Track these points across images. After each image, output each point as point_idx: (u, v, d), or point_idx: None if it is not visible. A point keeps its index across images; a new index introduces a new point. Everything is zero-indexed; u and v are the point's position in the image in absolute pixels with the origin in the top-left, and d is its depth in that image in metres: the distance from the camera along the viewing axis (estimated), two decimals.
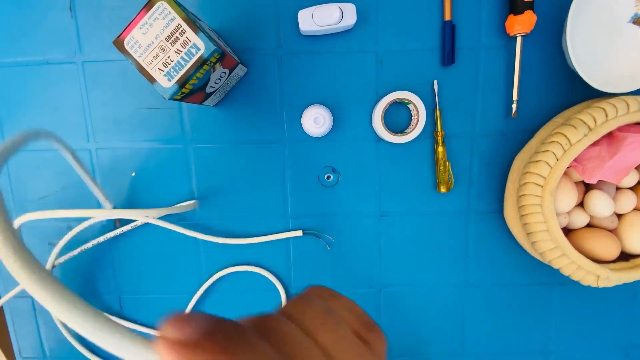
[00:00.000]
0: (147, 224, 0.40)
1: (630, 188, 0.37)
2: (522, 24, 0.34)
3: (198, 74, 0.27)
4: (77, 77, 0.38)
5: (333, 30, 0.35)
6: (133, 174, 0.39)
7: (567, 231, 0.37)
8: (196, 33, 0.25)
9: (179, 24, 0.25)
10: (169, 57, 0.26)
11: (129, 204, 0.40)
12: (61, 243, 0.39)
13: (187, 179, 0.39)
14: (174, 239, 0.41)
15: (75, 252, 0.40)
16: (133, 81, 0.38)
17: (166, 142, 0.39)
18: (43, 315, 0.43)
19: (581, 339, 0.42)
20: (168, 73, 0.26)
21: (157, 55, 0.26)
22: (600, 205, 0.35)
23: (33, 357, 0.44)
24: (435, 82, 0.37)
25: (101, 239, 0.40)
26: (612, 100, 0.32)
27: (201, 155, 0.39)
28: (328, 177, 0.40)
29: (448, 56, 0.36)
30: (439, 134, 0.38)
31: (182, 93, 0.27)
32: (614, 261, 0.36)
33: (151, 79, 0.26)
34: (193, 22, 0.26)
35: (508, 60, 0.37)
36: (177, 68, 0.26)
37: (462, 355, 0.43)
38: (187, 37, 0.25)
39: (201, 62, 0.26)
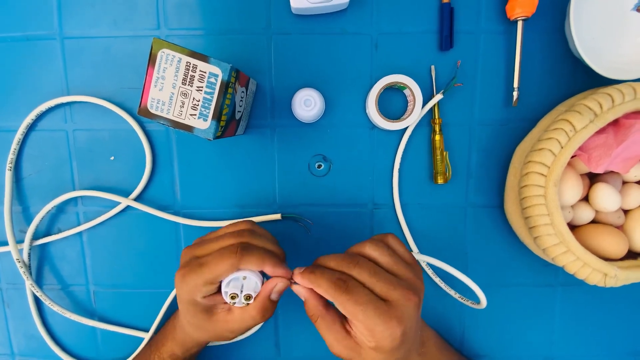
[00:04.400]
0: (123, 211, 0.38)
1: (638, 182, 0.35)
2: (523, 7, 0.33)
3: (226, 101, 0.25)
4: (56, 54, 0.36)
5: (326, 9, 0.33)
6: (112, 157, 0.37)
7: (572, 227, 0.35)
8: (207, 62, 0.24)
9: (188, 62, 0.24)
10: (193, 98, 0.25)
11: (106, 189, 0.37)
12: (31, 229, 0.37)
13: (169, 165, 0.37)
14: (153, 229, 0.38)
15: (51, 238, 0.38)
16: (115, 59, 0.36)
17: (147, 124, 0.37)
18: (13, 309, 0.40)
19: (586, 345, 0.40)
20: (201, 114, 0.25)
21: (183, 103, 0.25)
22: (607, 198, 0.33)
23: (0, 353, 0.41)
24: (433, 67, 0.35)
25: (79, 228, 0.38)
26: (619, 86, 0.31)
27: (186, 142, 0.37)
28: (319, 166, 0.37)
29: (446, 40, 0.35)
30: (436, 121, 0.36)
31: (221, 127, 0.26)
32: (621, 259, 0.34)
33: (189, 129, 0.25)
34: (198, 52, 0.24)
35: (508, 46, 0.35)
36: (206, 105, 0.25)
37: None
38: (201, 71, 0.24)
39: (225, 87, 0.25)
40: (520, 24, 0.34)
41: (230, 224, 0.30)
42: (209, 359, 0.40)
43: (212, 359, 0.40)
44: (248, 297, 0.27)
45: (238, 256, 0.25)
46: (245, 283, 0.27)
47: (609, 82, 0.34)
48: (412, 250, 0.38)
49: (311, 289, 0.26)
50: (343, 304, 0.23)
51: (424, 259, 0.32)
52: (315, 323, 0.26)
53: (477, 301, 0.34)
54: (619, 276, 0.31)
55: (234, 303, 0.27)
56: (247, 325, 0.28)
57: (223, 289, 0.27)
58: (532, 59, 0.35)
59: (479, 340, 0.40)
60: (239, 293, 0.26)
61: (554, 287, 0.39)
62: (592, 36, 0.34)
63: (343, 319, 0.26)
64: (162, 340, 0.34)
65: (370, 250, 0.26)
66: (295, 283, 0.27)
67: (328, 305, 0.26)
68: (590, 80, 0.35)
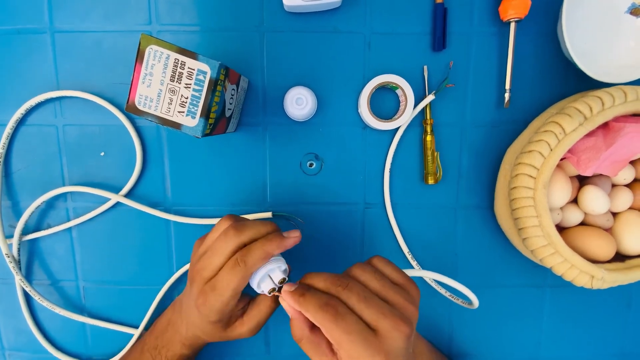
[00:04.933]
0: (113, 207, 0.38)
1: (627, 185, 0.35)
2: (516, 9, 0.33)
3: (215, 99, 0.25)
4: (47, 48, 0.36)
5: (319, 7, 0.33)
6: (102, 153, 0.37)
7: (560, 229, 0.35)
8: (196, 59, 0.24)
9: (176, 59, 0.24)
10: (182, 95, 0.25)
11: (96, 185, 0.37)
12: (20, 224, 0.37)
13: (160, 162, 0.37)
14: (144, 226, 0.38)
15: (41, 233, 0.38)
16: (106, 54, 0.36)
17: (138, 120, 0.37)
18: (2, 304, 0.40)
19: (572, 346, 0.40)
20: (189, 111, 0.25)
21: (171, 100, 0.25)
22: (596, 201, 0.33)
23: None
24: (425, 67, 0.35)
25: (69, 224, 0.38)
26: (609, 89, 0.31)
27: (177, 139, 0.37)
28: (310, 165, 0.37)
29: (439, 41, 0.35)
30: (428, 122, 0.36)
31: (210, 124, 0.26)
32: (608, 262, 0.34)
33: (177, 126, 0.25)
34: (186, 49, 0.24)
35: (501, 48, 0.35)
36: (194, 102, 0.25)
37: (449, 358, 0.40)
38: (189, 68, 0.24)
39: (214, 85, 0.25)
40: (512, 26, 0.34)
41: (213, 229, 0.30)
42: (200, 356, 0.40)
43: (203, 357, 0.40)
44: (283, 281, 0.28)
45: (244, 267, 0.26)
46: (272, 275, 0.28)
47: (601, 85, 0.34)
48: (409, 264, 0.38)
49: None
50: (330, 331, 0.23)
51: (416, 274, 0.31)
52: (299, 343, 0.26)
53: (469, 301, 0.34)
54: (605, 278, 0.32)
55: (275, 293, 0.28)
56: (266, 317, 0.30)
57: (258, 291, 0.28)
58: (525, 61, 0.35)
59: (467, 339, 0.40)
60: (275, 286, 0.27)
61: (543, 288, 0.39)
62: (584, 39, 0.34)
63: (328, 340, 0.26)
64: (167, 345, 0.33)
65: (357, 274, 0.25)
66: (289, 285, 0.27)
67: (313, 325, 0.26)
68: (582, 83, 0.35)
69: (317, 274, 0.26)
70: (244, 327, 0.30)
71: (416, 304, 0.25)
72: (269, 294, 0.28)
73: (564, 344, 0.40)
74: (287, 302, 0.25)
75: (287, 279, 0.28)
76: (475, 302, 0.32)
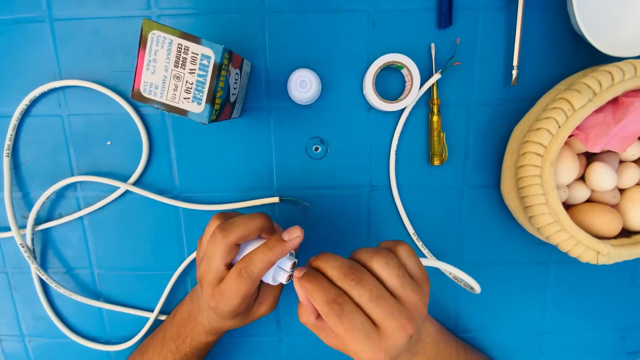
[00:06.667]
0: (122, 196, 0.38)
1: (634, 161, 0.35)
2: None
3: (220, 84, 0.25)
4: (46, 37, 0.35)
5: None
6: (109, 142, 0.37)
7: (567, 207, 0.35)
8: (199, 43, 0.24)
9: (179, 44, 0.24)
10: (186, 81, 0.24)
11: (104, 174, 0.38)
12: (32, 214, 0.37)
13: (166, 149, 0.37)
14: (153, 213, 0.38)
15: (53, 223, 0.38)
16: (106, 41, 0.35)
17: (142, 107, 0.36)
18: (20, 291, 0.41)
19: (576, 320, 0.41)
20: (194, 97, 0.25)
21: (176, 87, 0.24)
22: (604, 177, 0.33)
23: (10, 334, 0.43)
24: (433, 45, 0.35)
25: (80, 213, 0.38)
26: (619, 64, 0.30)
27: (182, 126, 0.37)
28: (316, 149, 0.37)
29: (445, 17, 0.34)
30: (435, 102, 0.35)
31: (215, 110, 0.25)
32: (614, 237, 0.34)
33: (183, 113, 0.25)
34: (189, 34, 0.24)
35: (509, 23, 0.35)
36: (199, 88, 0.24)
37: (455, 334, 0.41)
38: (193, 53, 0.24)
39: (218, 69, 0.24)
40: (521, 0, 0.33)
41: (205, 230, 0.30)
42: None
43: (220, 340, 0.41)
44: (294, 265, 0.28)
45: (249, 279, 0.26)
46: (282, 266, 0.28)
47: (610, 59, 0.34)
48: (424, 256, 0.38)
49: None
50: (334, 326, 0.23)
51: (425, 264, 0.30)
52: (305, 325, 0.27)
53: (471, 286, 0.34)
54: (611, 254, 0.32)
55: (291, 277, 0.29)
56: (280, 291, 0.32)
57: (275, 284, 0.29)
58: (533, 36, 0.35)
59: (473, 315, 0.41)
60: (290, 273, 0.28)
61: (548, 265, 0.40)
62: (594, 13, 0.33)
63: None
64: (191, 334, 0.34)
65: (379, 267, 0.24)
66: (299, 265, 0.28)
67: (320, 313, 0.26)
68: (592, 58, 0.34)
69: (331, 259, 0.25)
70: (262, 307, 0.31)
71: (427, 300, 0.25)
72: (286, 282, 0.28)
73: (567, 318, 0.41)
74: (297, 285, 0.25)
75: (296, 261, 0.28)
76: (477, 289, 0.32)
